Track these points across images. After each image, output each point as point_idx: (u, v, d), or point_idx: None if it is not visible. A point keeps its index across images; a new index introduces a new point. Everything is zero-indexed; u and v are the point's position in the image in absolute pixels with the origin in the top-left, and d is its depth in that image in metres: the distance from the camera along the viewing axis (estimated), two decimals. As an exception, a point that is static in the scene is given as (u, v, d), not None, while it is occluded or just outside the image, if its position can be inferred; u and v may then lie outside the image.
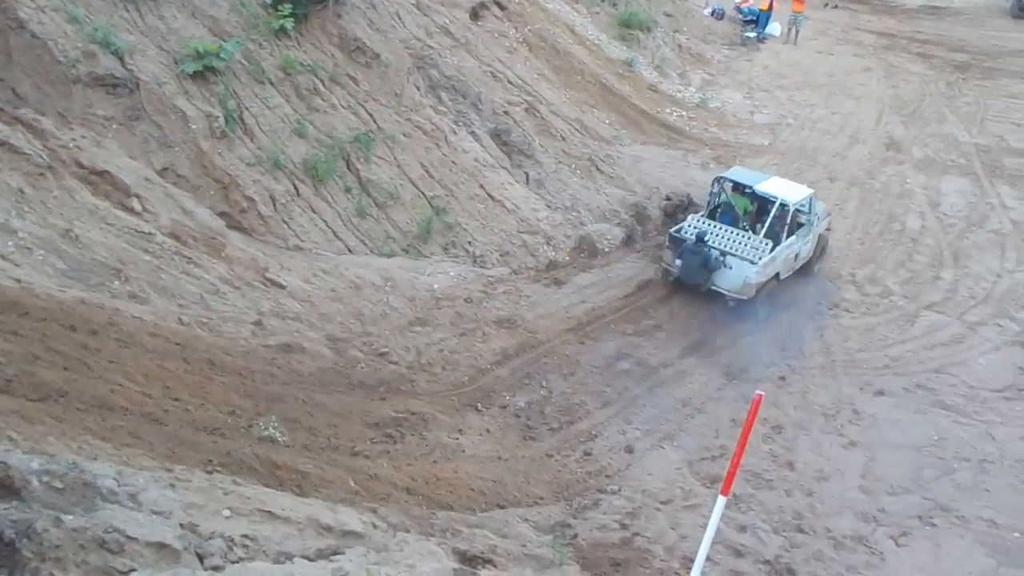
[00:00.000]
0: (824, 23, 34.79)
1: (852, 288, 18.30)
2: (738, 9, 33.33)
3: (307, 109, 17.03)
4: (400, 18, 20.06)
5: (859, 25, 35.47)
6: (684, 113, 25.58)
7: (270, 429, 10.58)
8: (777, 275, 17.18)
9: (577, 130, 21.86)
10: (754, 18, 32.74)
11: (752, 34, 32.46)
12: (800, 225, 17.62)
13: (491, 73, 21.24)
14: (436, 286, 15.91)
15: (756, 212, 17.83)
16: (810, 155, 24.11)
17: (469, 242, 17.45)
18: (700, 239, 16.65)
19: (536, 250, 17.93)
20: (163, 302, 12.31)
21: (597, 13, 28.03)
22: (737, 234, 16.97)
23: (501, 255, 17.54)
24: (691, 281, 16.80)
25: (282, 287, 14.08)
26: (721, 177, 18.23)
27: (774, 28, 33.27)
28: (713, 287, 16.69)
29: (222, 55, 15.86)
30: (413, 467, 11.54)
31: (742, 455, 7.68)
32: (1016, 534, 12.44)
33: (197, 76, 15.65)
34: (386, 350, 13.76)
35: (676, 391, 14.77)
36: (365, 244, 16.49)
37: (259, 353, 12.32)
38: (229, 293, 13.29)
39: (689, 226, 17.20)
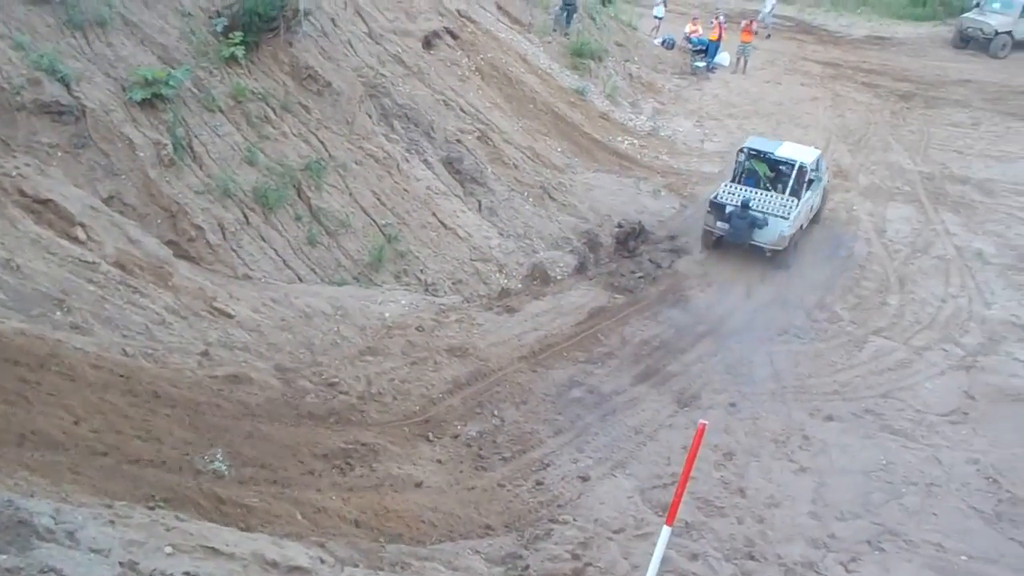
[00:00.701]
0: (772, 53, 35.28)
1: (801, 314, 18.45)
2: (688, 39, 33.71)
3: (258, 137, 16.93)
4: (352, 47, 20.06)
5: (806, 55, 35.99)
6: (635, 141, 25.78)
7: (215, 462, 10.42)
8: (801, 226, 20.17)
9: (529, 158, 21.94)
10: (703, 48, 33.13)
11: (702, 64, 32.84)
12: (811, 182, 20.53)
13: (443, 101, 21.28)
14: (387, 315, 15.83)
15: (774, 175, 20.53)
16: (760, 183, 24.33)
17: (421, 270, 17.41)
18: (745, 205, 19.31)
19: (488, 278, 17.92)
20: (107, 333, 12.10)
21: (549, 43, 28.21)
22: (768, 196, 19.76)
23: (453, 283, 17.51)
24: (738, 240, 19.57)
25: (230, 317, 13.91)
26: (744, 147, 21.00)
27: (723, 58, 33.70)
28: (753, 242, 19.45)
29: (171, 83, 15.73)
30: (362, 499, 11.40)
31: (686, 485, 7.67)
32: (963, 557, 12.52)
33: (145, 104, 15.51)
34: (336, 380, 13.63)
35: (628, 419, 14.75)
36: (316, 273, 16.38)
37: (205, 384, 12.14)
38: (175, 323, 13.10)
39: (724, 193, 19.89)
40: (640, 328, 17.35)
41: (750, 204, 19.31)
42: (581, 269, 18.99)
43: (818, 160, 20.93)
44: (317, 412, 12.81)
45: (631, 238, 20.01)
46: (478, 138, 21.20)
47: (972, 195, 24.39)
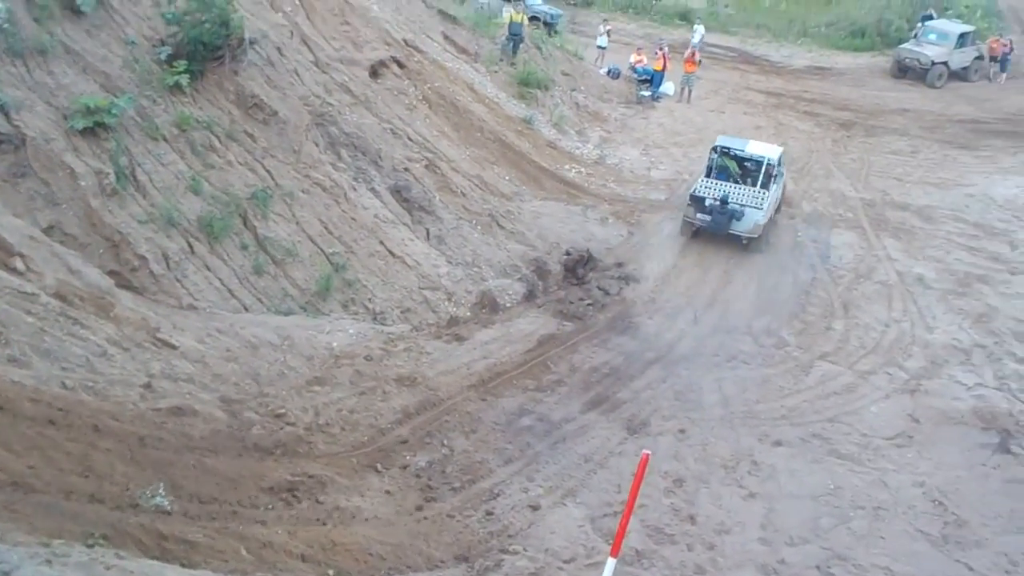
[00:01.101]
0: (716, 83, 35.73)
1: (748, 340, 18.61)
2: (633, 69, 34.01)
3: (202, 166, 16.76)
4: (299, 75, 19.98)
5: (749, 85, 36.50)
6: (583, 169, 25.93)
7: (157, 497, 10.19)
8: (770, 215, 22.70)
9: (477, 186, 21.96)
10: (648, 78, 33.47)
11: (647, 93, 33.18)
12: (776, 176, 23.12)
13: (391, 130, 21.25)
14: (335, 344, 15.67)
15: (742, 170, 23.01)
16: (706, 210, 24.59)
17: (369, 299, 17.30)
18: (724, 201, 21.68)
19: (437, 306, 17.86)
20: (46, 366, 11.82)
21: (496, 72, 28.35)
22: (742, 189, 22.27)
23: (402, 312, 17.42)
24: (718, 231, 21.90)
25: (174, 348, 13.67)
26: (717, 146, 23.43)
27: (668, 87, 34.09)
28: (731, 232, 21.85)
29: (113, 111, 15.53)
30: (309, 533, 11.21)
31: (631, 516, 7.63)
32: (911, 581, 12.69)
33: (87, 132, 15.30)
34: (283, 411, 13.44)
35: (578, 446, 14.72)
36: (262, 302, 16.20)
37: (148, 417, 11.90)
38: (117, 355, 12.84)
39: (702, 187, 22.35)
40: (589, 355, 17.37)
41: (728, 199, 21.70)
42: (530, 297, 18.99)
43: (780, 157, 23.65)
44: (263, 444, 12.61)
45: (579, 266, 20.08)
46: (426, 167, 21.18)
47: (912, 221, 24.85)
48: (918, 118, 33.68)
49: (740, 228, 21.85)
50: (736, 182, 22.58)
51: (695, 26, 37.82)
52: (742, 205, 21.71)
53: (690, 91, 33.53)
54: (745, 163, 23.04)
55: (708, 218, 21.87)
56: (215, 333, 14.60)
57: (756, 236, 21.96)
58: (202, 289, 15.48)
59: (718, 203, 21.70)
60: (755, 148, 23.45)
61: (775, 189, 22.85)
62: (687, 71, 33.24)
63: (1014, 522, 14.10)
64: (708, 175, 22.99)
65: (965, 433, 16.23)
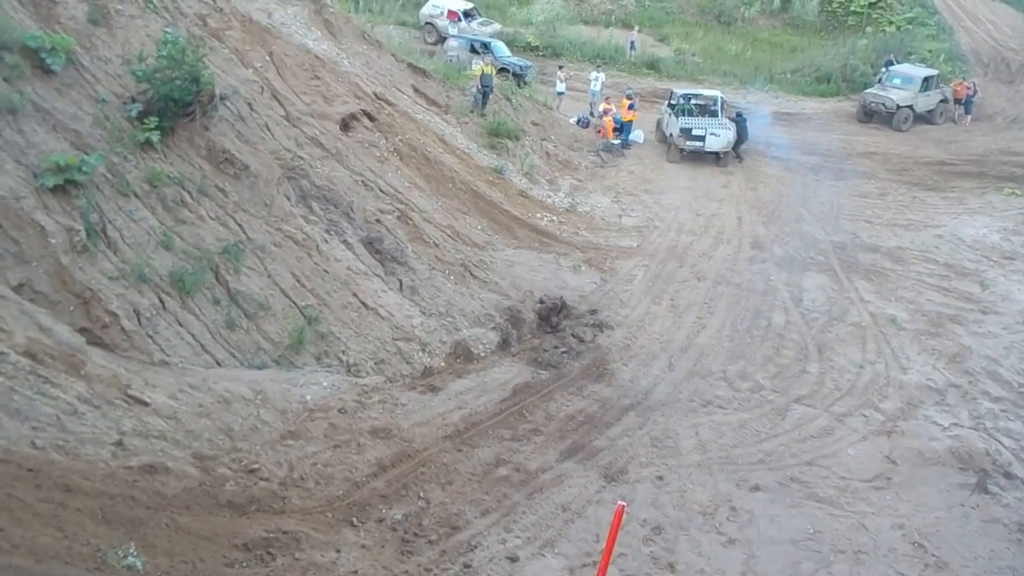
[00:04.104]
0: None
1: (724, 384, 18.64)
2: (602, 117, 34.45)
3: (174, 221, 16.70)
4: (270, 129, 20.05)
5: (719, 132, 37.02)
6: (554, 218, 26.09)
7: (129, 557, 10.03)
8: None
9: (450, 236, 22.02)
10: (618, 127, 33.86)
11: (617, 141, 33.53)
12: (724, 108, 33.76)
13: (362, 182, 21.33)
14: (309, 397, 15.56)
15: (699, 108, 33.17)
16: (679, 256, 24.78)
17: (343, 351, 17.21)
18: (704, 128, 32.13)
19: (411, 357, 17.79)
20: (15, 426, 11.66)
21: (466, 123, 28.59)
22: (709, 120, 32.49)
23: (376, 363, 17.33)
24: (707, 149, 32.10)
25: (146, 404, 13.52)
26: (680, 94, 33.81)
27: (638, 135, 34.51)
28: (709, 150, 32.03)
29: (84, 168, 15.45)
30: (285, 590, 11.07)
31: (608, 567, 7.58)
32: (892, 624, 12.63)
33: (57, 190, 15.18)
34: (256, 466, 13.30)
35: (556, 496, 14.63)
36: (235, 356, 16.07)
37: (119, 476, 11.73)
38: (88, 413, 12.68)
39: (682, 123, 32.14)
40: (565, 403, 17.33)
41: (707, 129, 31.86)
42: (504, 346, 18.97)
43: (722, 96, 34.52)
44: (237, 500, 12.45)
45: (553, 313, 20.11)
46: (398, 218, 21.24)
47: (883, 263, 25.14)
48: (885, 161, 34.24)
49: (717, 145, 31.81)
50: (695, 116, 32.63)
51: (594, 73, 38.04)
52: (719, 128, 31.96)
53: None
54: (705, 103, 33.27)
55: (699, 143, 31.72)
56: (187, 389, 14.46)
57: (728, 151, 32.13)
58: (174, 344, 15.35)
59: (703, 131, 31.69)
60: (707, 92, 34.62)
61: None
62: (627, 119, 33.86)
63: (994, 562, 14.13)
64: (676, 116, 32.36)
65: (943, 474, 16.28)
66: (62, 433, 12.06)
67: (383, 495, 13.73)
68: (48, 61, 16.25)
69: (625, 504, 7.51)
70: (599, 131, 34.11)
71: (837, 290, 23.36)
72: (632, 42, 45.37)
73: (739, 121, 32.82)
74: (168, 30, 18.80)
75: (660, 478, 15.45)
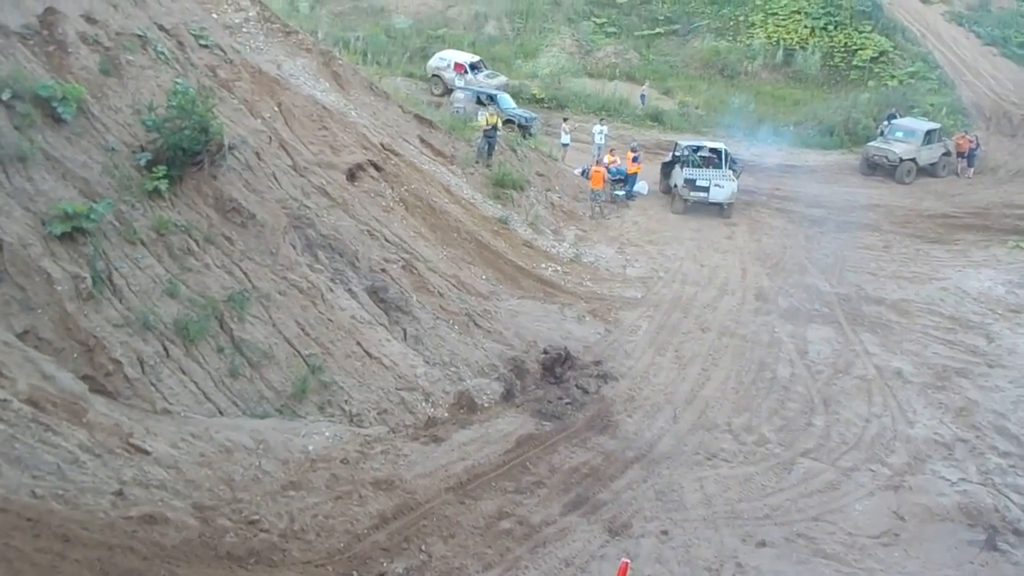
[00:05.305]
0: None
1: (729, 437, 18.52)
2: (607, 169, 34.63)
3: (180, 269, 16.74)
4: (277, 179, 20.17)
5: (722, 183, 37.23)
6: (559, 268, 26.16)
7: (127, 609, 9.93)
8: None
9: (454, 286, 22.05)
10: (622, 178, 34.06)
11: (621, 192, 33.72)
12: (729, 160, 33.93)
13: (368, 232, 21.41)
14: (311, 447, 15.48)
15: (705, 160, 33.60)
16: (683, 307, 24.77)
17: (346, 400, 17.15)
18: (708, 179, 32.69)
19: (414, 407, 17.72)
20: (15, 474, 11.59)
21: (472, 174, 28.80)
22: (714, 171, 33.04)
23: (379, 413, 17.26)
24: (711, 201, 32.46)
25: (147, 453, 13.45)
26: (686, 145, 34.50)
27: (642, 186, 34.75)
28: (713, 201, 32.32)
29: (92, 216, 15.52)
30: (284, 644, 10.93)
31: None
32: None
33: (65, 237, 15.24)
34: (257, 517, 13.19)
35: (559, 550, 14.46)
36: (237, 405, 16.01)
37: (119, 526, 11.64)
38: (89, 462, 12.61)
39: (688, 174, 32.91)
40: (569, 455, 17.22)
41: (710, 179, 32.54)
42: (508, 396, 18.90)
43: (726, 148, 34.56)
44: (236, 552, 12.33)
45: (557, 364, 20.07)
46: (403, 267, 21.29)
47: (888, 315, 25.10)
48: (889, 213, 34.35)
49: (721, 196, 32.12)
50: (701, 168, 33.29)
51: (597, 126, 38.55)
52: (722, 180, 32.44)
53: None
54: (710, 154, 33.82)
55: (704, 194, 32.15)
56: (189, 438, 14.39)
57: (732, 202, 32.44)
58: (177, 393, 15.31)
59: (705, 183, 32.28)
60: (712, 143, 34.99)
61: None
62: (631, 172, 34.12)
63: (1003, 621, 13.94)
64: (681, 167, 33.26)
65: (951, 530, 16.12)
66: (62, 482, 11.99)
67: (384, 548, 13.60)
68: (59, 110, 16.40)
69: (629, 560, 7.41)
70: (590, 179, 33.33)
71: (842, 342, 23.31)
72: (643, 95, 45.90)
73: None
74: (178, 80, 19.03)
75: (665, 533, 15.29)
